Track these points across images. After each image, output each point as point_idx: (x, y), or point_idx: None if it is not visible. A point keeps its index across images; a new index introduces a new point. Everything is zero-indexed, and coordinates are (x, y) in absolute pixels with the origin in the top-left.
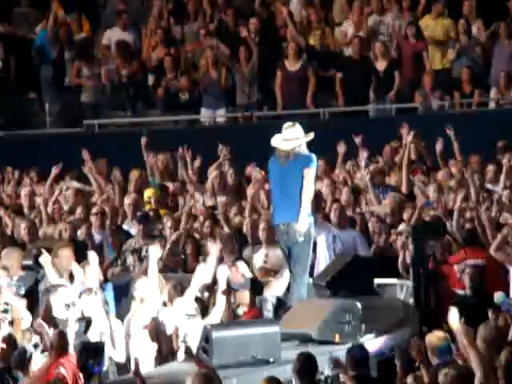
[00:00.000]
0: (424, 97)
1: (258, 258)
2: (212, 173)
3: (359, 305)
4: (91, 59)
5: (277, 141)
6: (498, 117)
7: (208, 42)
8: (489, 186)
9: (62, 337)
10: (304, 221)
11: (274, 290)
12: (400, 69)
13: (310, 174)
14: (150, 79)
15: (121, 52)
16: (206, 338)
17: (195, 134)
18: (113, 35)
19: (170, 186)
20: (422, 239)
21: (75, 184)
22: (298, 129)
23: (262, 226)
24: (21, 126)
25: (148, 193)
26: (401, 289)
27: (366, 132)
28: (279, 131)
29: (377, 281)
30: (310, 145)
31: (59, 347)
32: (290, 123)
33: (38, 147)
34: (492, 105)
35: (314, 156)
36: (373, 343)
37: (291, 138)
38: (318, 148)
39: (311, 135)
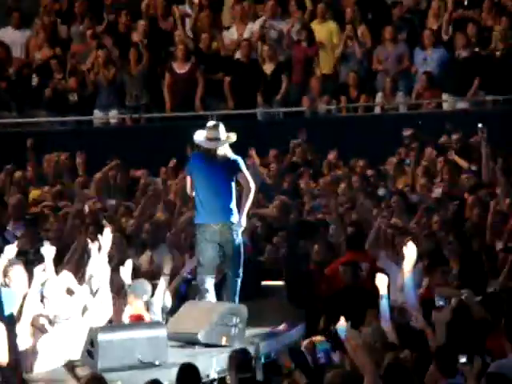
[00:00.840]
0: (311, 101)
1: (143, 260)
2: (96, 176)
3: (246, 308)
4: None
5: (201, 139)
6: (384, 121)
7: (97, 43)
8: (380, 191)
9: None
10: (244, 222)
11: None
12: (289, 73)
13: (248, 177)
14: (35, 80)
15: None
16: (92, 342)
17: (86, 135)
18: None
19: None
20: (294, 239)
21: None
22: (222, 129)
23: (145, 227)
24: None
25: (33, 194)
26: None
27: (254, 135)
28: (167, 134)
29: (265, 283)
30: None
31: None
32: (213, 122)
33: None
34: (378, 109)
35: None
36: (260, 345)
37: (216, 137)
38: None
39: (234, 137)
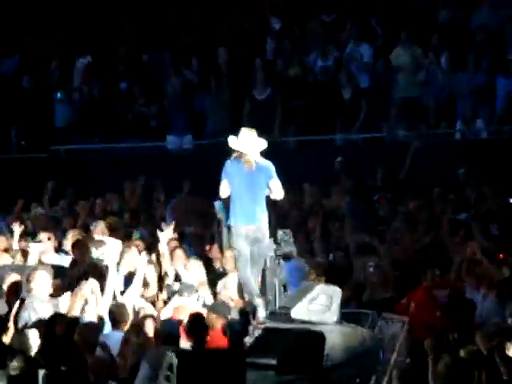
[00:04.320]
0: (390, 127)
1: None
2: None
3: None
4: None
5: (243, 146)
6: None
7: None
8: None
9: None
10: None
11: None
12: (368, 98)
13: (278, 184)
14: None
15: None
16: (170, 366)
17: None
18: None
19: None
20: None
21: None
22: (255, 136)
23: None
24: None
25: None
26: None
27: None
28: None
29: None
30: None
31: None
32: (247, 128)
33: None
34: (458, 136)
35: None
36: None
37: (254, 144)
38: None
39: (265, 143)
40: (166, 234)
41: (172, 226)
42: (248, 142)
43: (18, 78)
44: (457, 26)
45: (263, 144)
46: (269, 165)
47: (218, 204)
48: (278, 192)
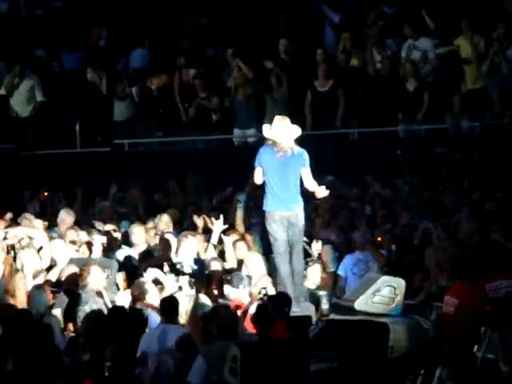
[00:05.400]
0: (454, 118)
1: None
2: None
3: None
4: None
5: (277, 134)
6: None
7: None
8: None
9: None
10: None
11: None
12: (432, 90)
13: (309, 173)
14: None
15: None
16: (234, 359)
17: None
18: None
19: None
20: None
21: None
22: (289, 124)
23: None
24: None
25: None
26: None
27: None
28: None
29: None
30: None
31: None
32: (281, 116)
33: None
34: None
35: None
36: None
37: (287, 132)
38: None
39: (299, 130)
40: (218, 227)
41: (221, 219)
42: (281, 130)
43: (82, 72)
44: None
45: (297, 131)
46: (303, 152)
47: (242, 198)
48: (309, 181)
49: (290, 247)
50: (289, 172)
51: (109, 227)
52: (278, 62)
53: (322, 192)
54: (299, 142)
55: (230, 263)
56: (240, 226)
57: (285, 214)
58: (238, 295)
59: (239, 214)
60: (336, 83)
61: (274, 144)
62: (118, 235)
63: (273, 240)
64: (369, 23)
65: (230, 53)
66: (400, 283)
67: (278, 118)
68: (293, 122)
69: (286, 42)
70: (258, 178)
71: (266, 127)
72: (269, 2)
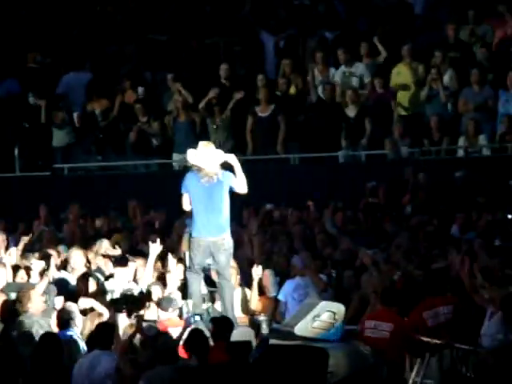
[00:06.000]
0: (393, 143)
1: None
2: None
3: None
4: None
5: (201, 160)
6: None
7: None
8: None
9: None
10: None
11: None
12: (372, 116)
13: (239, 181)
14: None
15: None
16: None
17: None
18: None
19: None
20: None
21: None
22: (213, 148)
23: None
24: None
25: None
26: None
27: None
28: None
29: None
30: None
31: None
32: (206, 142)
33: None
34: (461, 152)
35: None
36: None
37: (213, 157)
38: None
39: (229, 156)
40: (155, 250)
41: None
42: (206, 156)
43: (23, 96)
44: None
45: (222, 156)
46: (227, 174)
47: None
48: (240, 186)
49: (218, 273)
50: (215, 197)
51: (48, 252)
52: (219, 87)
53: (229, 157)
54: (242, 166)
55: (171, 287)
56: (185, 248)
57: (210, 240)
58: (167, 318)
59: (186, 237)
60: (277, 108)
61: (198, 170)
62: (56, 260)
63: (189, 263)
64: (309, 49)
65: (170, 77)
66: (340, 308)
67: (202, 144)
68: (234, 147)
69: (227, 67)
70: (185, 205)
71: (190, 153)
72: (209, 27)
